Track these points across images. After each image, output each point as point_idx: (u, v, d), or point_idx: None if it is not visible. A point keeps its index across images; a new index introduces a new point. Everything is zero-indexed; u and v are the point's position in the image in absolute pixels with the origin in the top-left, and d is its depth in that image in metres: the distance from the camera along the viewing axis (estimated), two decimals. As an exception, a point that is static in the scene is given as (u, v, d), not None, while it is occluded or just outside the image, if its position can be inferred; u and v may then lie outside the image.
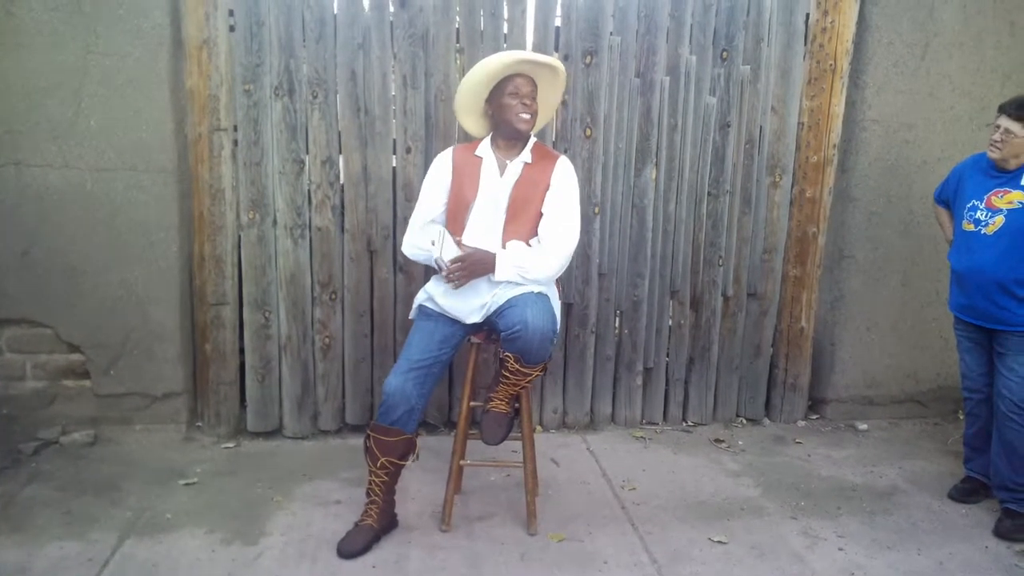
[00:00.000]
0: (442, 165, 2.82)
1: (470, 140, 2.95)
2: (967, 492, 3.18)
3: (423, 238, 2.73)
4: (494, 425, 2.69)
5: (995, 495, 3.04)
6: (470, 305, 2.69)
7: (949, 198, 3.18)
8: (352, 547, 2.62)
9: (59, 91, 3.14)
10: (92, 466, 3.18)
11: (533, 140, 2.82)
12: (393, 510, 2.78)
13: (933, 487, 3.28)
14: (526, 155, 2.76)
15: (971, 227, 2.99)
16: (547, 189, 2.73)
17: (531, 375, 2.63)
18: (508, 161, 2.76)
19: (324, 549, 2.65)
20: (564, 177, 2.76)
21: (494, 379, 2.77)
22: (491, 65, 2.68)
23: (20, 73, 3.10)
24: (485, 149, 2.80)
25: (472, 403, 2.84)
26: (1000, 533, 2.93)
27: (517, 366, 2.58)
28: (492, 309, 2.66)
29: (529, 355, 2.55)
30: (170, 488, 3.04)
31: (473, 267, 2.60)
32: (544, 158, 2.78)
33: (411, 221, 2.84)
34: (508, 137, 2.76)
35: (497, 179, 2.74)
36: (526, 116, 2.69)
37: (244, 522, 2.81)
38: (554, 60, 2.77)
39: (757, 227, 3.76)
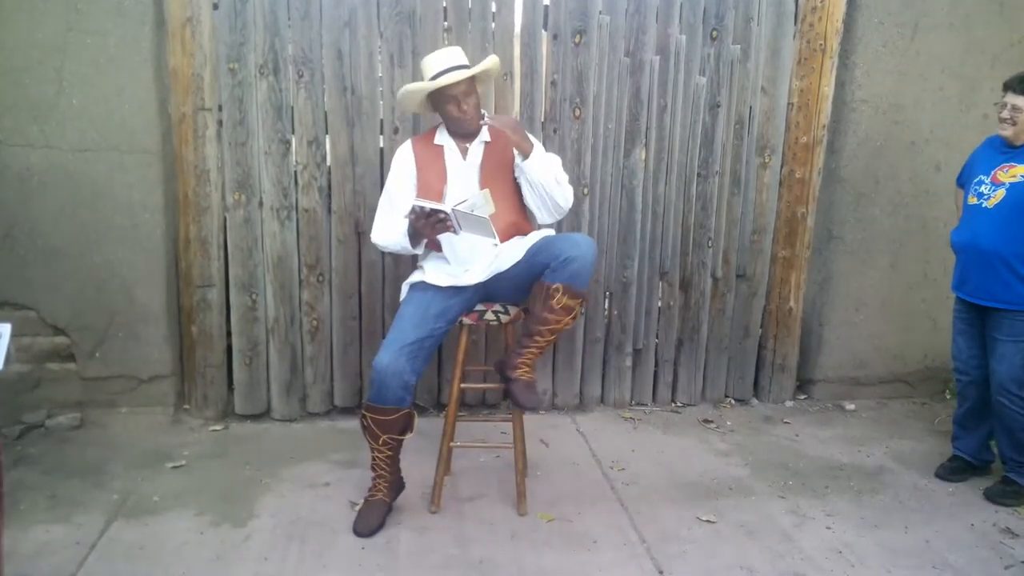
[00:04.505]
0: (404, 159, 2.80)
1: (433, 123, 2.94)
2: (953, 471, 3.21)
3: (399, 227, 2.68)
4: (527, 391, 2.62)
5: (1003, 465, 3.10)
6: (475, 269, 2.67)
7: (966, 180, 3.14)
8: (367, 525, 2.63)
9: (40, 69, 3.08)
10: (78, 449, 3.16)
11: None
12: (399, 477, 2.79)
13: (920, 466, 3.30)
14: (484, 134, 2.77)
15: (974, 200, 2.99)
16: (512, 162, 2.75)
17: (575, 312, 2.60)
18: (468, 144, 2.77)
19: (313, 531, 2.65)
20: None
21: (517, 344, 2.66)
22: (417, 92, 2.71)
23: (-1, 51, 3.05)
24: (443, 137, 2.79)
25: (462, 385, 2.83)
26: (990, 495, 3.02)
27: (566, 299, 2.53)
28: (503, 265, 2.64)
29: (581, 279, 2.55)
30: (157, 471, 3.02)
31: (515, 128, 2.59)
32: (502, 134, 2.73)
33: (379, 214, 2.82)
34: (461, 134, 2.76)
35: (461, 163, 2.75)
36: (470, 121, 2.69)
37: (232, 504, 2.80)
38: (481, 67, 2.69)
39: (746, 208, 3.76)
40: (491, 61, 2.75)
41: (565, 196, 2.72)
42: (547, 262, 2.56)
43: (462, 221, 2.48)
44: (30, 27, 3.05)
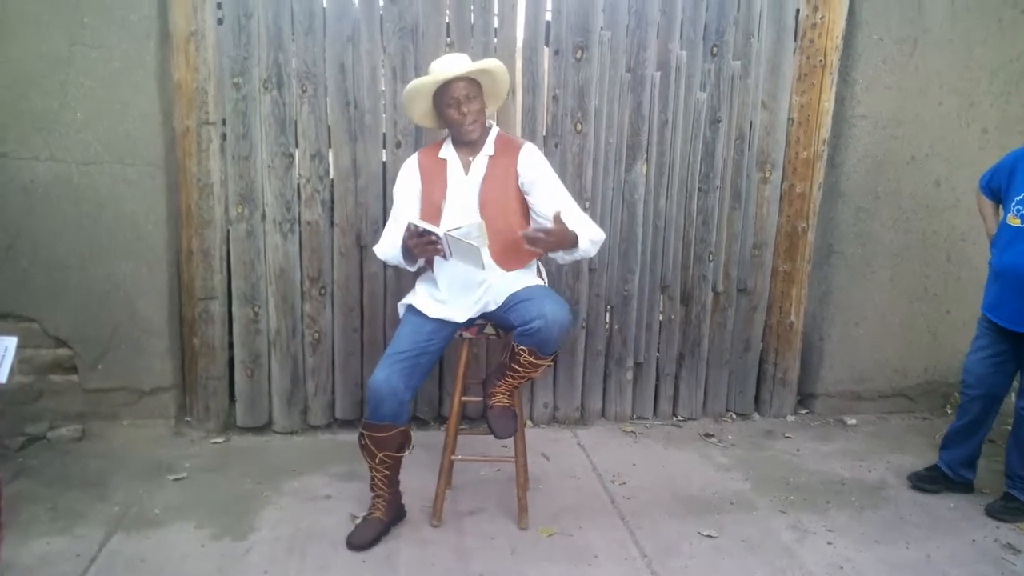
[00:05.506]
0: (410, 173, 2.78)
1: (435, 139, 2.93)
2: (926, 479, 3.20)
3: (398, 241, 2.66)
4: (502, 419, 2.68)
5: (1005, 482, 3.08)
6: (462, 306, 2.68)
7: (1000, 186, 3.00)
8: (361, 539, 2.62)
9: (45, 82, 3.10)
10: (80, 461, 3.16)
11: (496, 131, 2.76)
12: (400, 501, 2.78)
13: (921, 481, 3.30)
14: (488, 148, 2.71)
15: (1017, 222, 2.87)
16: (516, 179, 2.70)
17: (542, 367, 2.63)
18: (471, 158, 2.73)
19: (313, 544, 2.64)
20: (536, 163, 2.71)
21: (495, 374, 2.74)
22: (420, 87, 2.64)
23: (4, 64, 3.07)
24: (448, 151, 2.75)
25: (463, 398, 2.83)
26: (991, 511, 3.01)
27: (531, 359, 2.57)
28: (489, 306, 2.66)
29: (547, 347, 2.55)
30: (158, 483, 3.02)
31: (561, 242, 2.52)
32: (507, 147, 2.73)
33: (386, 228, 2.81)
34: (463, 142, 2.72)
35: (463, 178, 2.71)
36: (469, 127, 2.64)
37: (233, 517, 2.80)
38: (481, 64, 2.65)
39: (747, 222, 3.77)
40: (492, 63, 2.68)
41: (598, 245, 2.69)
42: (516, 324, 2.56)
43: (453, 247, 2.47)
44: (36, 40, 3.07)
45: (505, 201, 2.70)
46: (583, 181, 3.54)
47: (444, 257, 2.53)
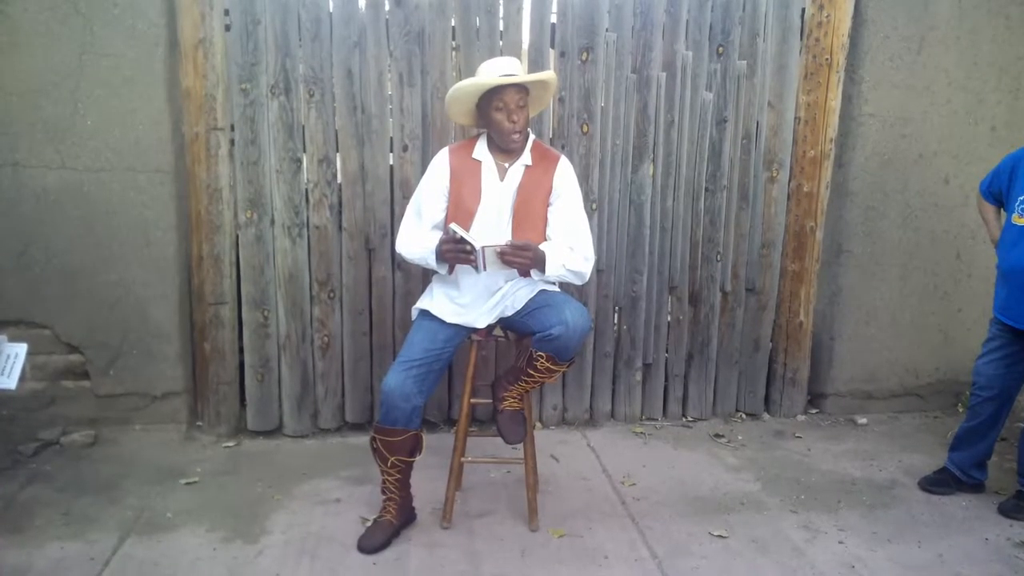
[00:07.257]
0: (439, 169, 2.70)
1: (464, 136, 2.91)
2: (936, 482, 3.18)
3: (426, 240, 2.65)
4: (513, 424, 2.68)
5: (1017, 480, 3.06)
6: (481, 311, 2.68)
7: (1001, 188, 2.98)
8: (372, 542, 2.63)
9: (55, 91, 3.13)
10: (92, 466, 3.18)
11: (532, 139, 2.73)
12: (411, 504, 2.79)
13: (933, 480, 3.28)
14: (526, 157, 2.68)
15: (1022, 221, 2.85)
16: (549, 192, 2.68)
17: (558, 372, 2.64)
18: (507, 165, 2.68)
19: (324, 547, 2.65)
20: (569, 180, 2.71)
21: (507, 378, 2.73)
22: (471, 87, 2.58)
23: (16, 74, 3.10)
24: (482, 151, 2.69)
25: (472, 400, 2.84)
26: (1003, 510, 3.00)
27: (549, 364, 2.58)
28: (507, 311, 2.66)
29: (566, 353, 2.56)
30: (170, 487, 3.04)
31: (533, 262, 2.53)
32: (544, 158, 2.70)
33: (406, 223, 2.76)
34: (503, 148, 2.67)
35: (498, 184, 2.67)
36: (516, 136, 2.60)
37: (245, 521, 2.82)
38: (540, 75, 2.63)
39: (755, 222, 3.77)
40: (549, 75, 2.65)
41: (582, 277, 2.68)
42: (536, 330, 2.56)
43: (488, 261, 2.47)
44: (46, 50, 3.10)
45: (535, 212, 2.68)
46: (590, 183, 3.54)
47: (476, 269, 2.52)
